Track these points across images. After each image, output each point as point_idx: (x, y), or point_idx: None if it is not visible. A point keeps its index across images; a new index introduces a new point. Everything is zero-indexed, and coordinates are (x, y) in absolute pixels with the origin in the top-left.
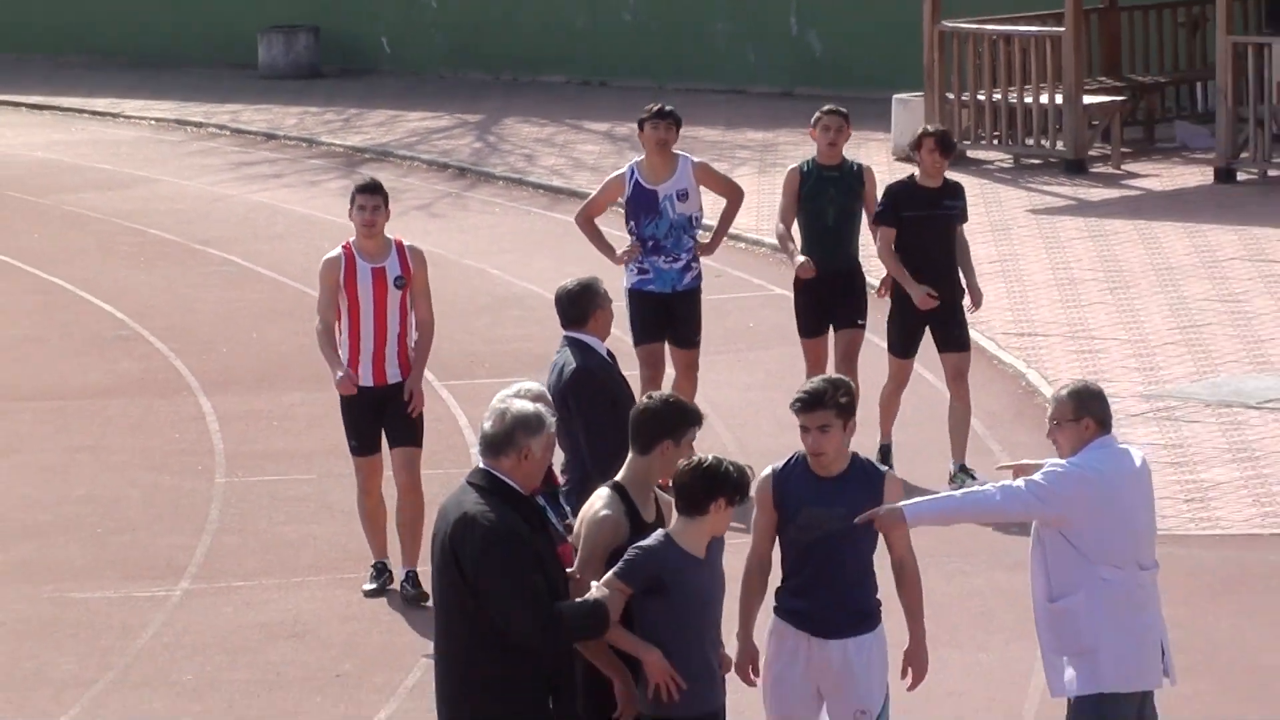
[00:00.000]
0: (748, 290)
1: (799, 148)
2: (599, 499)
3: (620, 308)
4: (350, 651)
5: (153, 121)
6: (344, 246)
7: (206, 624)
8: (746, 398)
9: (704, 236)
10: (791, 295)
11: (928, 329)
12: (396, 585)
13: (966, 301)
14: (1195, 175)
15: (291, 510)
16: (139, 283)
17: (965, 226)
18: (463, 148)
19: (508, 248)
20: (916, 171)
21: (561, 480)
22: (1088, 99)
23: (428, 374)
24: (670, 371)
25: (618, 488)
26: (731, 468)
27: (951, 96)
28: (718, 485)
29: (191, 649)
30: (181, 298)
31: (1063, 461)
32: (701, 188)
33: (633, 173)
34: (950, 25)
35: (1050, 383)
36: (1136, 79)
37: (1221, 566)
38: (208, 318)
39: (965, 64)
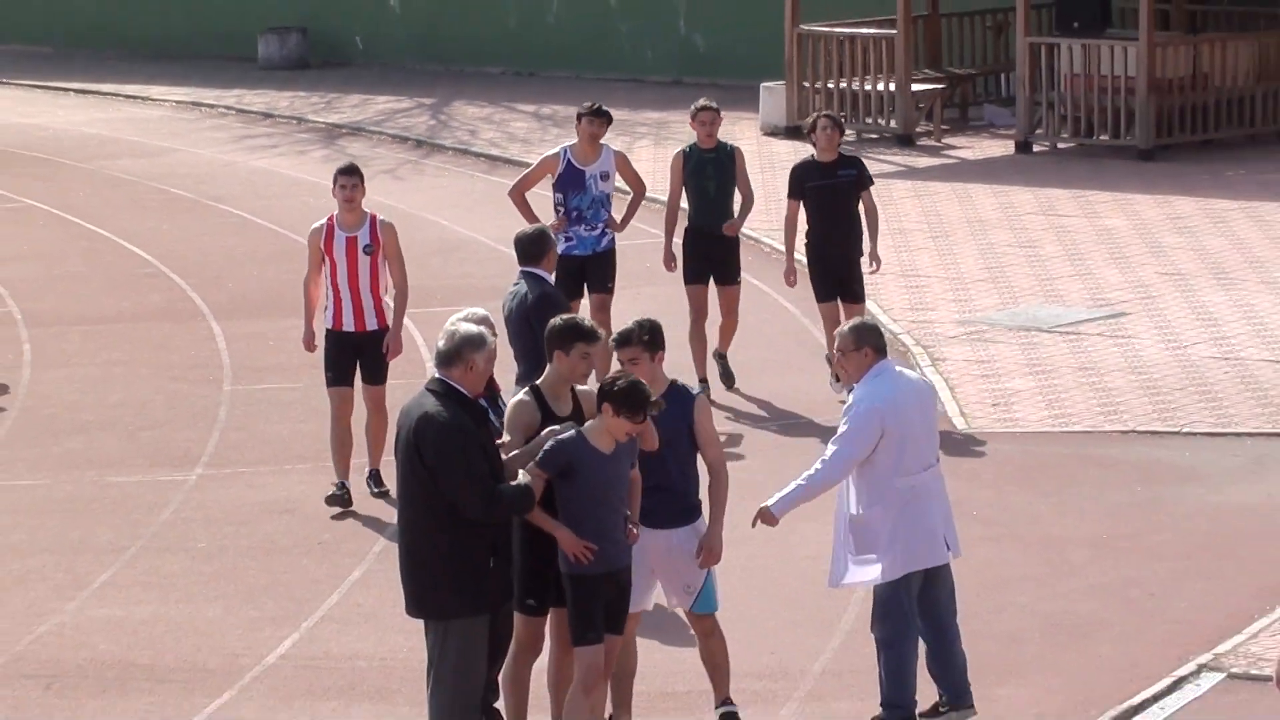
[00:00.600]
0: (643, 239)
1: (685, 125)
2: (520, 393)
3: None
4: (329, 525)
5: (173, 103)
6: (328, 218)
7: (216, 502)
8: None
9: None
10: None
11: (841, 281)
12: (354, 505)
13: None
14: (1000, 147)
15: (284, 412)
16: (163, 231)
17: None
18: (420, 124)
19: (455, 204)
20: (814, 151)
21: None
22: (915, 87)
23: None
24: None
25: (534, 388)
26: (621, 385)
27: (807, 85)
28: (606, 396)
29: (204, 522)
30: (197, 243)
31: (851, 402)
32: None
33: (565, 154)
34: (806, 28)
35: (885, 311)
36: (953, 71)
37: (1020, 457)
38: (217, 258)
39: (818, 59)
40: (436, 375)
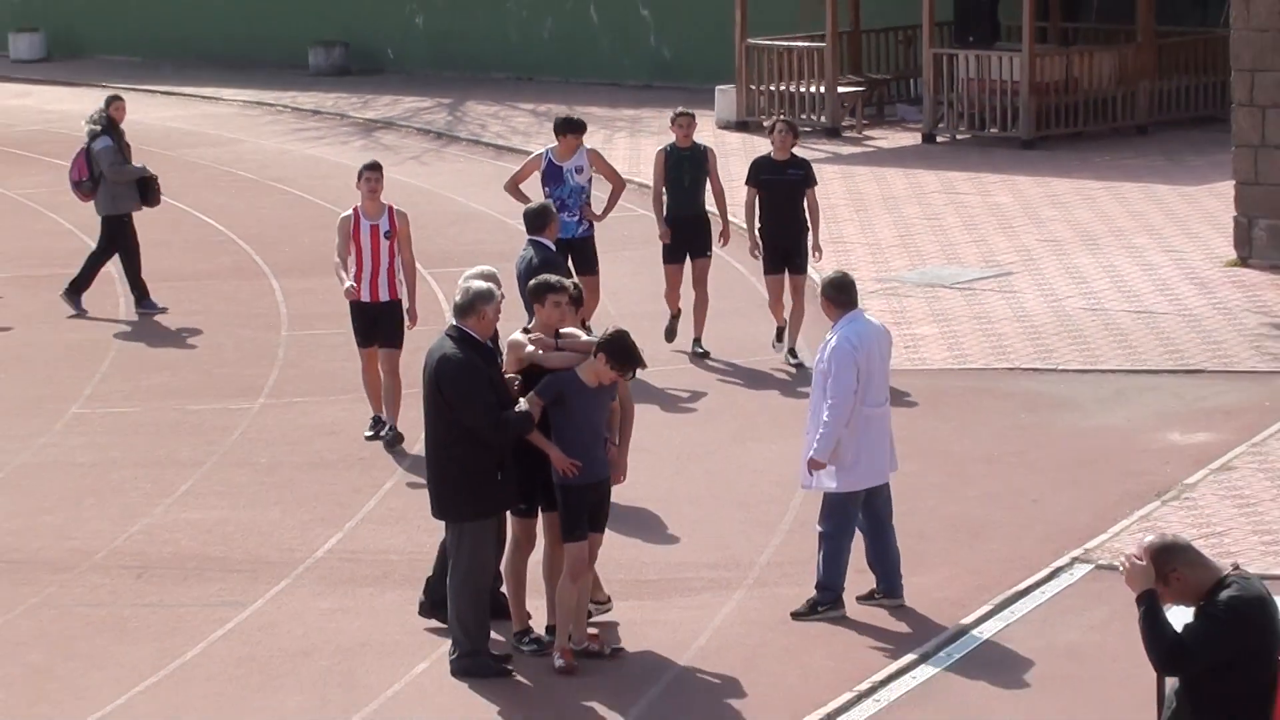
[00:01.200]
0: (623, 212)
1: (656, 120)
2: (515, 333)
3: None
4: (366, 445)
5: (241, 103)
6: (354, 208)
7: (275, 426)
8: (622, 282)
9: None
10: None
11: (786, 256)
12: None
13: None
14: (909, 138)
15: (330, 353)
16: (233, 206)
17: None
18: (439, 120)
19: (468, 185)
20: (771, 150)
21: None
22: (840, 89)
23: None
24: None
25: (525, 329)
26: (620, 342)
27: (753, 87)
28: (607, 346)
29: (265, 442)
30: (259, 215)
31: (834, 342)
32: (594, 167)
33: (547, 154)
34: (752, 42)
35: (819, 272)
36: (872, 76)
37: (927, 390)
38: (275, 228)
39: (762, 66)
40: (453, 323)
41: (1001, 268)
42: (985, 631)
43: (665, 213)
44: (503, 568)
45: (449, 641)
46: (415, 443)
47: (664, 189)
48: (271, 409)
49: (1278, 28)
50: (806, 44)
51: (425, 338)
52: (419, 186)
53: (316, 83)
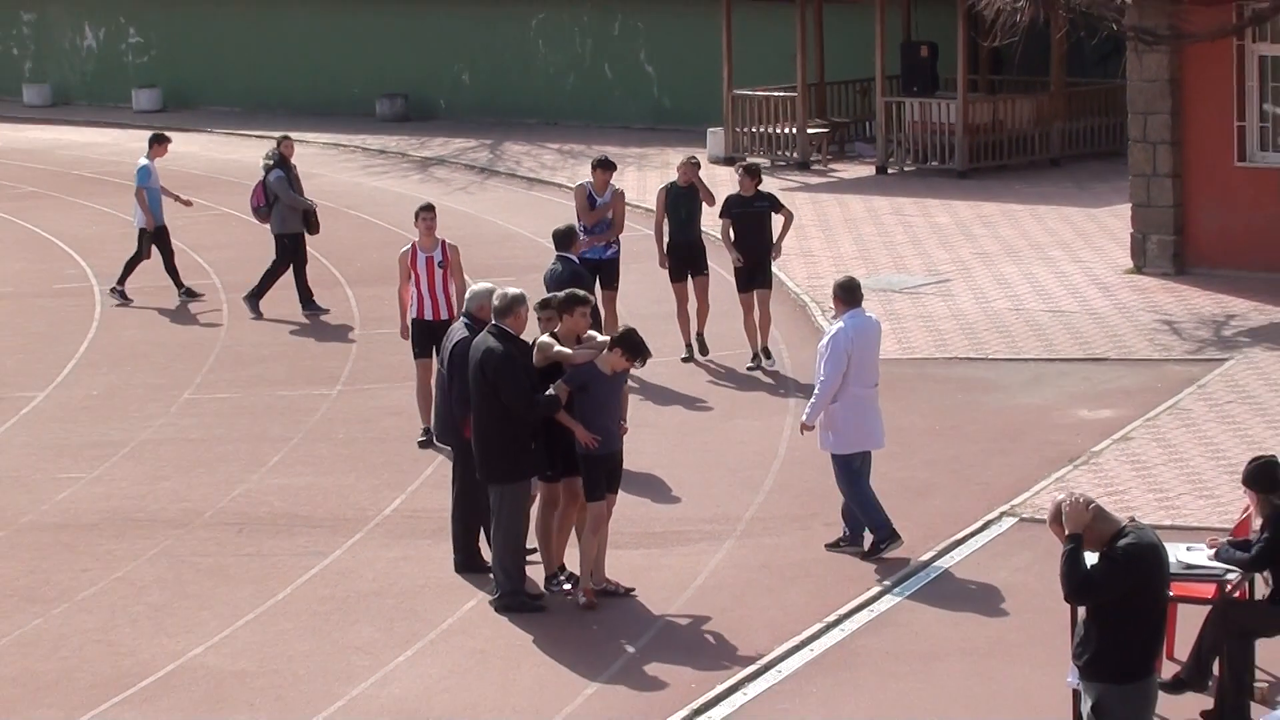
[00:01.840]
0: (631, 232)
1: (658, 156)
2: (543, 338)
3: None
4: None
5: (321, 144)
6: (412, 243)
7: (350, 408)
8: (632, 289)
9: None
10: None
11: (752, 276)
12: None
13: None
14: (866, 170)
15: (394, 348)
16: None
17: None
18: (482, 157)
19: (506, 210)
20: (738, 188)
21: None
22: (809, 130)
23: (468, 274)
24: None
25: (553, 334)
26: (633, 338)
27: (738, 129)
28: (620, 341)
29: (342, 421)
30: (336, 235)
31: (834, 332)
32: (610, 201)
33: (588, 187)
34: (738, 92)
35: (792, 280)
36: (835, 119)
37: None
38: (349, 245)
39: (745, 112)
40: (494, 322)
41: (941, 275)
42: (931, 573)
43: (668, 240)
44: (533, 526)
45: (492, 583)
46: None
47: (665, 220)
48: (347, 394)
49: (1164, 79)
50: (781, 93)
51: None
52: (466, 212)
53: (382, 128)
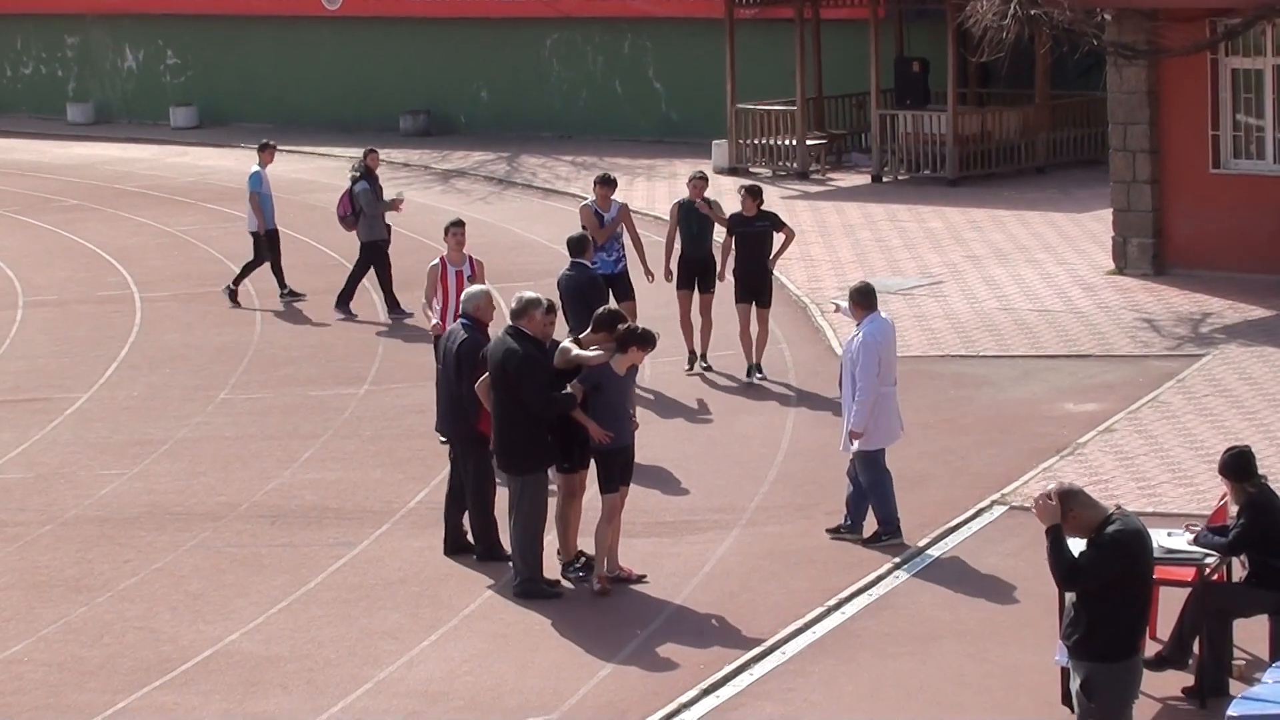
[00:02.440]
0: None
1: (666, 168)
2: (565, 341)
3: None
4: None
5: (348, 158)
6: (440, 257)
7: (377, 406)
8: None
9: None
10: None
11: (751, 291)
12: None
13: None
14: (862, 179)
15: (418, 349)
16: (341, 237)
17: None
18: (500, 170)
19: (522, 219)
20: (740, 208)
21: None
22: (808, 141)
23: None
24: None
25: (576, 339)
26: (644, 331)
27: (741, 141)
28: (636, 339)
29: (369, 420)
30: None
31: (861, 338)
32: (620, 219)
33: (593, 205)
34: (740, 106)
35: (793, 283)
36: (832, 131)
37: None
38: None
39: (748, 125)
40: (511, 324)
41: (934, 277)
42: (926, 559)
43: (679, 253)
44: (554, 516)
45: (511, 570)
46: None
47: (677, 235)
48: (373, 393)
49: (1143, 91)
50: (782, 107)
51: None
52: (485, 221)
53: (406, 141)
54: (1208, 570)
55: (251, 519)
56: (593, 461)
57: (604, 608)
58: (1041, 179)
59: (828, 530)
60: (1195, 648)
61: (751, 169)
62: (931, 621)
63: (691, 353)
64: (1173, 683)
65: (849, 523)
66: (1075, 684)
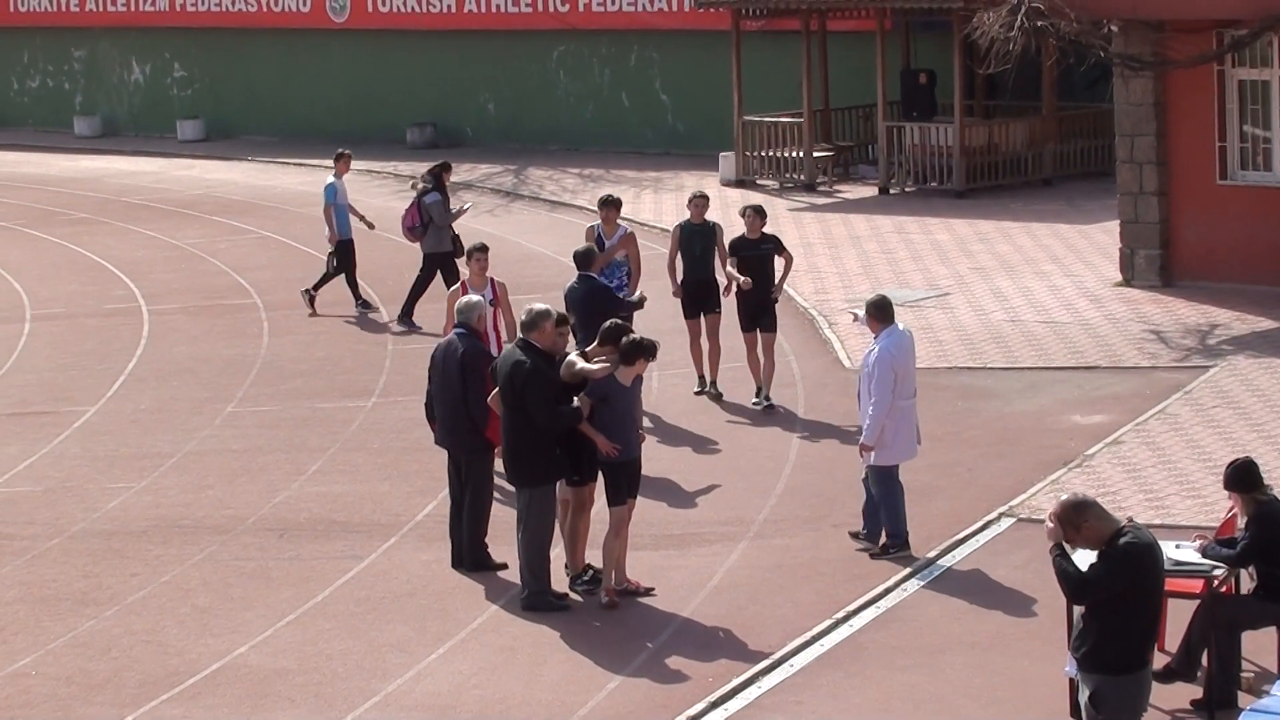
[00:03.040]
0: (647, 251)
1: (673, 180)
2: (571, 354)
3: None
4: None
5: (354, 171)
6: (462, 281)
7: (384, 419)
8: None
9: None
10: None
11: (755, 318)
12: None
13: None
14: (869, 191)
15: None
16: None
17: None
18: (507, 182)
19: (530, 232)
20: (745, 229)
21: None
22: (815, 154)
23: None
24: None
25: (582, 352)
26: (646, 342)
27: (748, 154)
28: (639, 350)
29: (376, 431)
30: (369, 257)
31: (878, 352)
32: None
33: (597, 229)
34: (747, 118)
35: (800, 295)
36: (840, 143)
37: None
38: (383, 266)
39: (755, 137)
40: (521, 336)
41: (941, 289)
42: (934, 571)
43: (681, 277)
44: (565, 528)
45: (519, 583)
46: None
47: (678, 257)
48: (381, 406)
49: (1149, 103)
50: (789, 119)
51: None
52: (492, 234)
53: (412, 154)
54: (1216, 582)
55: (259, 532)
56: (600, 474)
57: (612, 620)
58: (1048, 191)
59: (850, 533)
60: (1203, 660)
61: (758, 181)
62: (940, 634)
63: (701, 378)
64: (1181, 695)
65: (866, 530)
66: (1084, 696)
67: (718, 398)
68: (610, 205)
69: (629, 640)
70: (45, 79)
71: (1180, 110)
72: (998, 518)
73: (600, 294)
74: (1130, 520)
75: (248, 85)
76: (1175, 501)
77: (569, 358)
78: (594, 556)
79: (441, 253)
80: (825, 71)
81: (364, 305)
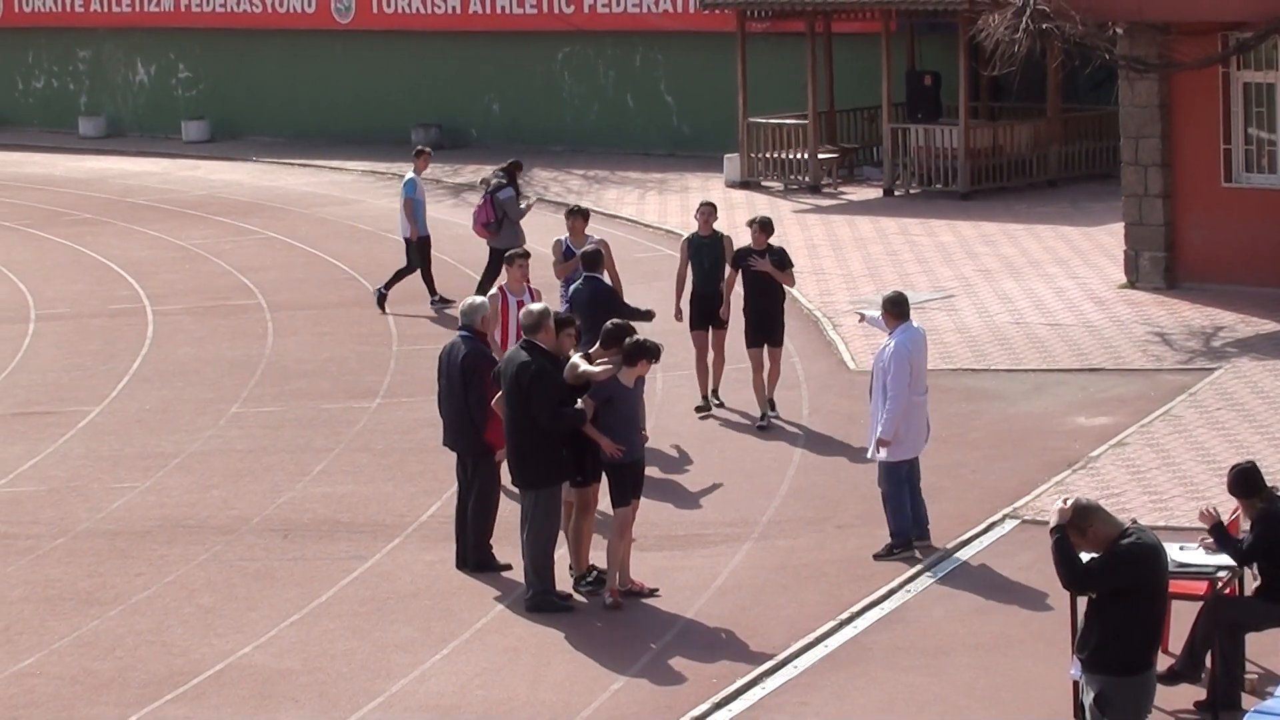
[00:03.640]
0: (652, 253)
1: (678, 181)
2: (574, 356)
3: None
4: None
5: (360, 172)
6: (499, 287)
7: (389, 420)
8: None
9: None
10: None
11: (761, 331)
12: None
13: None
14: (874, 192)
15: (430, 364)
16: (353, 250)
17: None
18: None
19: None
20: (751, 241)
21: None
22: (820, 155)
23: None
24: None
25: (586, 354)
26: (650, 344)
27: (753, 155)
28: (643, 351)
29: (380, 432)
30: (375, 258)
31: (893, 347)
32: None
33: (565, 241)
34: (752, 120)
35: (804, 297)
36: (844, 145)
37: None
38: (389, 267)
39: (759, 138)
40: (524, 338)
41: (945, 291)
42: (938, 573)
43: (690, 290)
44: (569, 529)
45: (524, 584)
46: None
47: (688, 270)
48: (385, 407)
49: (1154, 105)
50: (794, 121)
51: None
52: None
53: None
54: (1220, 584)
55: (263, 532)
56: (604, 475)
57: (616, 621)
58: (1053, 193)
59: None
60: (1207, 662)
61: (763, 183)
62: (943, 635)
63: (705, 397)
64: (1185, 697)
65: (914, 531)
66: (1089, 698)
67: (719, 406)
68: (577, 215)
69: (633, 641)
70: (50, 79)
71: (1185, 113)
72: (1002, 519)
73: (605, 296)
74: (1134, 522)
75: (252, 86)
76: (1179, 503)
77: (572, 359)
78: (598, 557)
79: (512, 247)
80: (830, 73)
81: (441, 301)
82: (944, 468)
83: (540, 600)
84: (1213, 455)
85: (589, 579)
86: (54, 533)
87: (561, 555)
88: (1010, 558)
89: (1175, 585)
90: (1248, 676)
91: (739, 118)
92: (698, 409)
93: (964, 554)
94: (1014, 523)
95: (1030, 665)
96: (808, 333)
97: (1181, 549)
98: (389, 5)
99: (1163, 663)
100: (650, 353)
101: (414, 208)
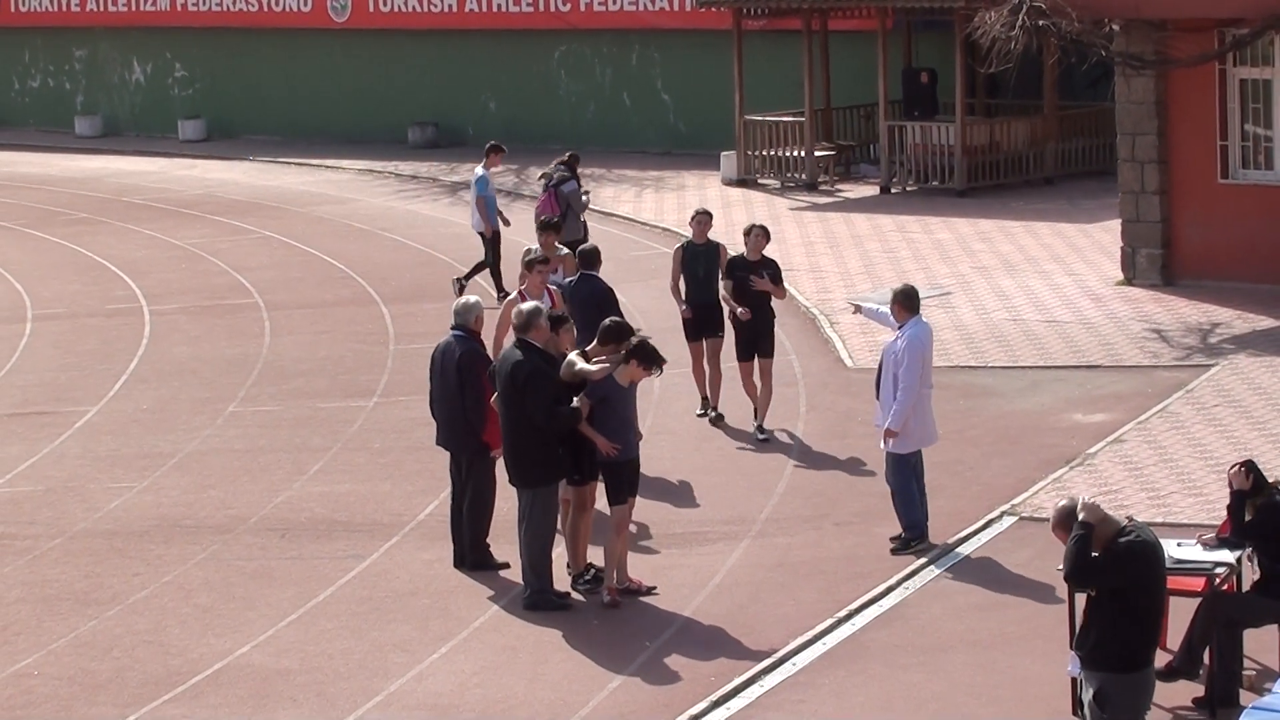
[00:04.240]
0: (649, 250)
1: (675, 179)
2: (571, 354)
3: None
4: None
5: (356, 170)
6: (519, 291)
7: (385, 419)
8: (650, 305)
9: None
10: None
11: (752, 344)
12: None
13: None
14: (870, 190)
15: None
16: (349, 249)
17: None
18: (508, 181)
19: (531, 232)
20: (745, 250)
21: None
22: (817, 153)
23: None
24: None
25: (583, 352)
26: (644, 345)
27: (750, 153)
28: (647, 356)
29: (378, 431)
30: (372, 257)
31: (902, 340)
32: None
33: (534, 251)
34: (749, 117)
35: (802, 294)
36: (841, 142)
37: None
38: (384, 266)
39: (756, 136)
40: (518, 336)
41: (943, 289)
42: (936, 569)
43: (685, 301)
44: (566, 528)
45: (521, 583)
46: None
47: (682, 278)
48: (382, 406)
49: (1151, 101)
50: (790, 118)
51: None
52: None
53: (414, 154)
54: (1217, 580)
55: (261, 532)
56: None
57: (614, 619)
58: (1050, 190)
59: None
60: (1205, 658)
61: (760, 180)
62: (942, 632)
63: (704, 399)
64: (1183, 693)
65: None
66: (1088, 695)
67: (719, 419)
68: (546, 229)
69: (631, 639)
70: (46, 79)
71: (1182, 109)
72: (999, 516)
73: (602, 294)
74: (1131, 519)
75: (249, 85)
76: (1177, 500)
77: (568, 358)
78: (595, 556)
79: (576, 241)
80: (827, 70)
81: (506, 296)
82: (942, 465)
83: (538, 599)
84: (1210, 452)
85: (587, 577)
86: (51, 533)
87: (559, 554)
88: (1008, 554)
89: (1173, 581)
90: (1245, 672)
91: (735, 115)
92: (699, 414)
93: (962, 551)
94: (1012, 519)
95: (1029, 662)
96: (805, 331)
97: (1179, 545)
98: (385, 4)
99: (1161, 659)
100: (650, 360)
101: (485, 204)
